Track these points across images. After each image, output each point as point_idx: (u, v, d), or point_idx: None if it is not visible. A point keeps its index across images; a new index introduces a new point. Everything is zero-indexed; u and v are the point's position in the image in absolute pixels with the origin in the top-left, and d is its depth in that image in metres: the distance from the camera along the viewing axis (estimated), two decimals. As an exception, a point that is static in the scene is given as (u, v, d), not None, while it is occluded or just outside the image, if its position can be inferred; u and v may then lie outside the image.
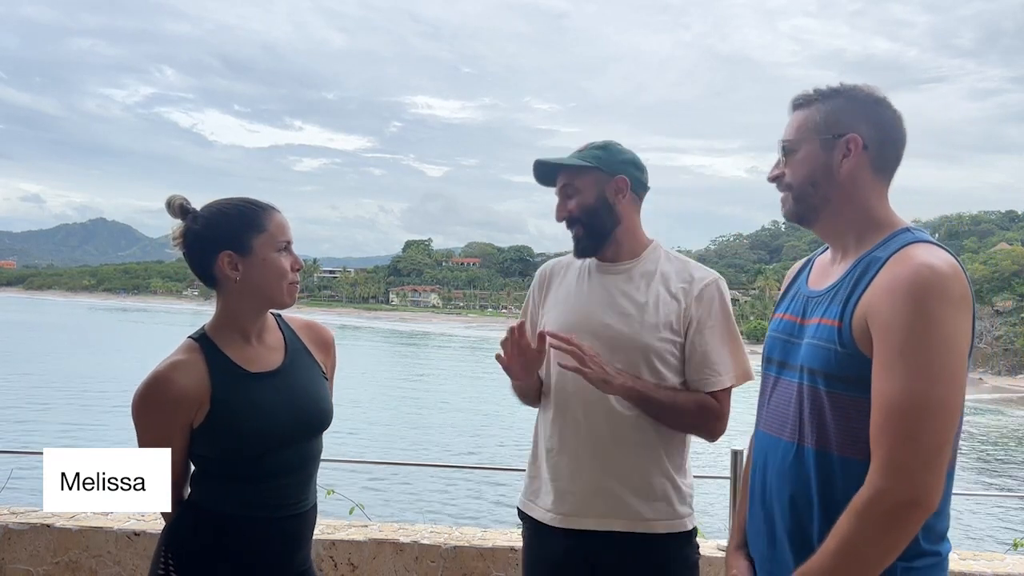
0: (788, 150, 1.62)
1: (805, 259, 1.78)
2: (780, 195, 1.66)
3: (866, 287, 1.47)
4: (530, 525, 2.16)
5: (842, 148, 1.56)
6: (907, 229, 1.54)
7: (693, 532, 2.10)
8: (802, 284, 1.69)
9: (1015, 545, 3.88)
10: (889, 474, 1.35)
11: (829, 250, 1.68)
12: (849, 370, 1.45)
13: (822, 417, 1.49)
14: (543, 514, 2.11)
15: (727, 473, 3.08)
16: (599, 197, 2.10)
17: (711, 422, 2.06)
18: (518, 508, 2.21)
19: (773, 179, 1.66)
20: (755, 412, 2.23)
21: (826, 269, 1.65)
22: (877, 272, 1.47)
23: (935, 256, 1.43)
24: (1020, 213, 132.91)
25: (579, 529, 2.04)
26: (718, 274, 2.14)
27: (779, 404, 1.61)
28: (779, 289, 1.85)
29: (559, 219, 2.15)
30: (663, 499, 2.04)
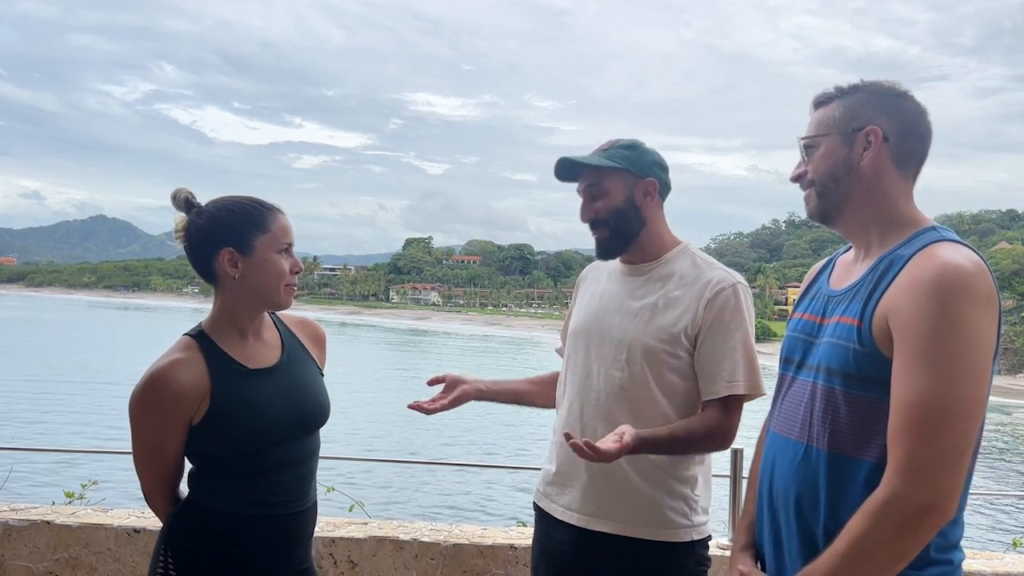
0: (809, 147, 1.59)
1: (826, 259, 1.75)
2: (804, 193, 1.62)
3: (888, 285, 1.43)
4: (539, 516, 2.19)
5: (862, 141, 1.53)
6: (933, 227, 1.51)
7: (696, 543, 2.04)
8: (823, 284, 1.65)
9: (1015, 544, 3.87)
10: (907, 476, 1.32)
11: (852, 249, 1.65)
12: (868, 370, 1.42)
13: (836, 417, 1.46)
14: (548, 504, 2.15)
15: (727, 472, 3.07)
16: (627, 200, 2.06)
17: (720, 440, 2.00)
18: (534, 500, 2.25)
19: (796, 178, 1.63)
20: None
21: (848, 268, 1.61)
22: (900, 270, 1.43)
23: (960, 254, 1.40)
24: (1021, 212, 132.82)
25: (580, 527, 2.05)
26: (739, 279, 2.06)
27: (791, 404, 1.58)
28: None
29: (584, 220, 2.10)
30: (663, 507, 2.00)
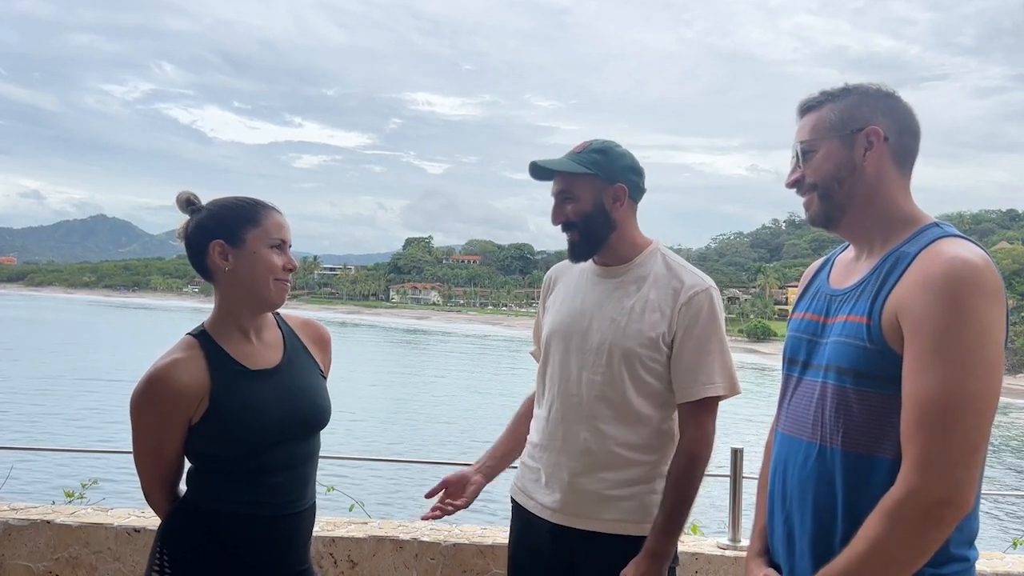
0: (806, 152, 1.58)
1: (824, 258, 1.74)
2: (803, 199, 1.61)
3: (896, 282, 1.43)
4: (517, 511, 2.23)
5: (863, 142, 1.52)
6: (935, 224, 1.51)
7: None
8: (823, 283, 1.65)
9: (1015, 544, 3.87)
10: (923, 471, 1.32)
11: (850, 248, 1.64)
12: (878, 367, 1.42)
13: (849, 416, 1.45)
14: (526, 500, 2.19)
15: (727, 472, 3.07)
16: (596, 204, 2.09)
17: (704, 450, 2.03)
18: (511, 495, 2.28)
19: (792, 184, 1.62)
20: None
21: (849, 267, 1.60)
22: (907, 267, 1.43)
23: (967, 250, 1.40)
24: (1021, 212, 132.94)
25: (558, 524, 2.09)
26: (711, 283, 2.11)
27: (800, 404, 1.58)
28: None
29: (555, 223, 2.15)
30: (643, 503, 2.05)
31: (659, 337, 2.04)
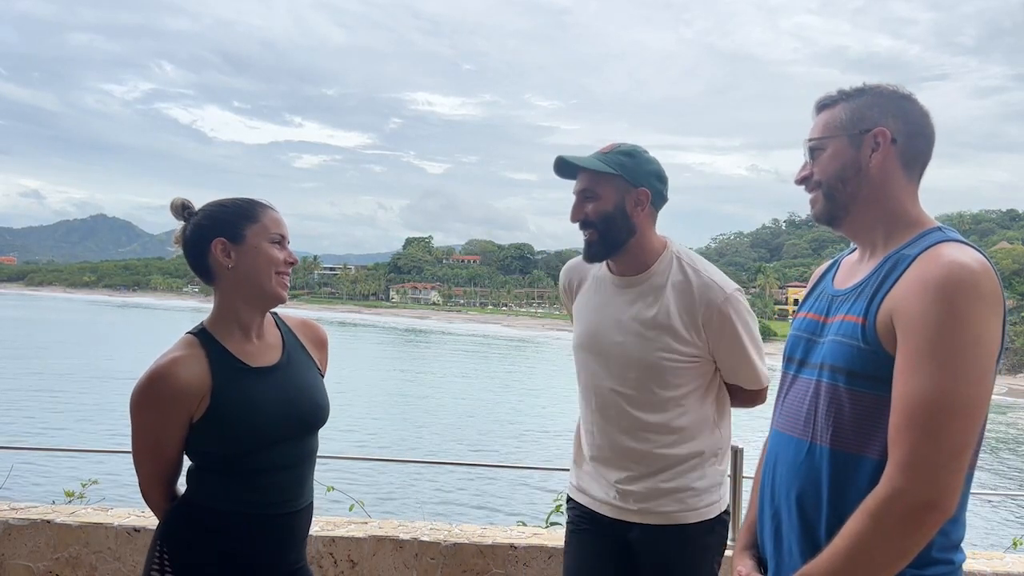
0: (815, 149, 1.59)
1: (832, 260, 1.76)
2: (810, 196, 1.62)
3: (893, 284, 1.44)
4: (578, 511, 2.27)
5: (870, 143, 1.53)
6: (938, 228, 1.51)
7: (723, 514, 2.17)
8: (828, 284, 1.66)
9: (1015, 544, 3.87)
10: (908, 473, 1.32)
11: (857, 251, 1.65)
12: (871, 367, 1.43)
13: (840, 415, 1.46)
14: (581, 496, 2.25)
15: (727, 471, 3.07)
16: (618, 206, 2.08)
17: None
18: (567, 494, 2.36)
19: (801, 181, 1.63)
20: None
21: (853, 268, 1.62)
22: (905, 269, 1.44)
23: (966, 254, 1.40)
24: (1021, 212, 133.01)
25: (617, 519, 2.15)
26: (731, 288, 2.12)
27: (794, 402, 1.59)
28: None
29: (574, 220, 2.13)
30: (697, 491, 2.11)
31: (684, 345, 2.07)
